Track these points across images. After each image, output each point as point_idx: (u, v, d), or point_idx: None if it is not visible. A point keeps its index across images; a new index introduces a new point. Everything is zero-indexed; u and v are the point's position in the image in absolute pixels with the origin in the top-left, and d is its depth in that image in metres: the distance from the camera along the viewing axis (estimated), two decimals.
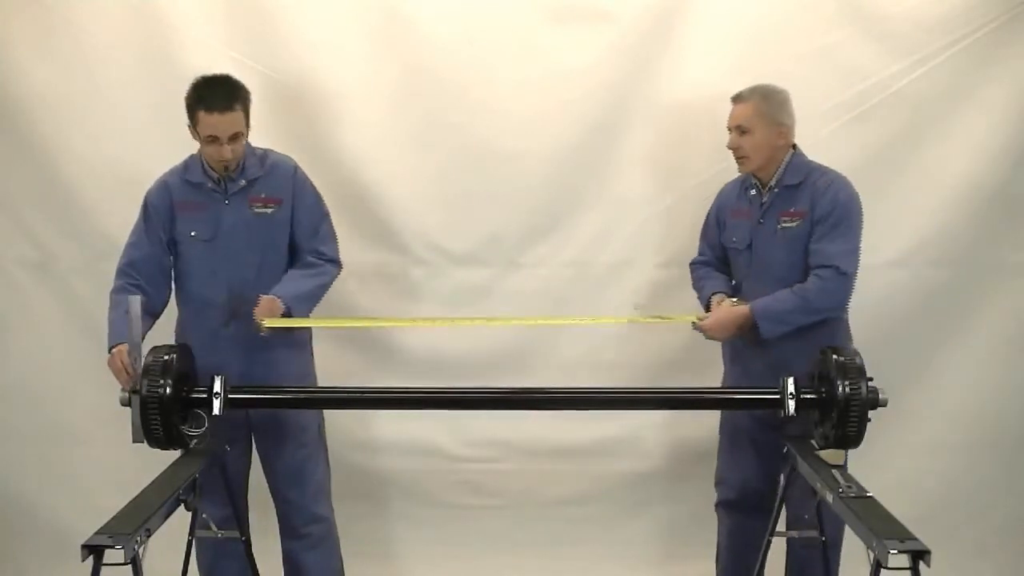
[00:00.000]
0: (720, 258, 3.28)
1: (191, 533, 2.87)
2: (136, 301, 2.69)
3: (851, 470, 2.71)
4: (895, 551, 2.19)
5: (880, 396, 2.65)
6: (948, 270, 3.67)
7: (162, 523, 2.44)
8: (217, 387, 2.75)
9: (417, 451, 3.83)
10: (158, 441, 2.69)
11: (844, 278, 2.94)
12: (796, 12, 3.57)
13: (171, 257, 3.06)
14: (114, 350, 2.87)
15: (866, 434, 2.68)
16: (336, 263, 3.17)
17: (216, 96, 2.89)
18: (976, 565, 3.72)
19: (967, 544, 3.71)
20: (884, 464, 3.39)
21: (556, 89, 3.63)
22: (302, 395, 3.04)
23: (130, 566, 2.24)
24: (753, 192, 3.10)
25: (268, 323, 2.91)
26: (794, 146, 3.09)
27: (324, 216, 3.18)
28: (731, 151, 3.07)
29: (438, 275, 3.77)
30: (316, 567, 3.22)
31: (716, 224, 3.26)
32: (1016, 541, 3.78)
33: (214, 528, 2.87)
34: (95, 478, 3.70)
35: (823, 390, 2.74)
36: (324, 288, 3.13)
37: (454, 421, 3.78)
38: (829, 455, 2.75)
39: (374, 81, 3.61)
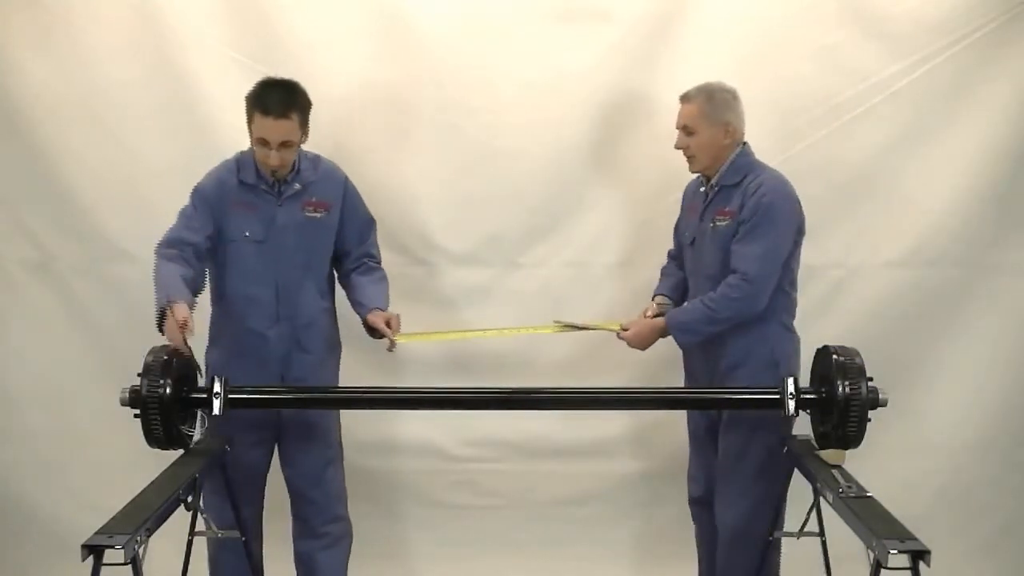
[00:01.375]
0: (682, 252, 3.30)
1: (191, 533, 2.87)
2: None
3: (851, 470, 2.70)
4: (895, 551, 2.19)
5: (880, 396, 2.65)
6: (948, 270, 3.67)
7: (162, 523, 2.44)
8: (217, 387, 2.75)
9: (417, 451, 3.84)
10: (158, 441, 2.69)
11: (749, 285, 2.90)
12: (796, 12, 3.57)
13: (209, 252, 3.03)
14: (173, 305, 2.71)
15: (866, 434, 2.68)
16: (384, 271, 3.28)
17: (273, 100, 2.87)
18: (976, 565, 3.72)
19: (967, 544, 3.71)
20: (884, 464, 3.39)
21: (556, 89, 3.63)
22: (302, 395, 3.03)
23: (130, 566, 2.24)
24: (702, 189, 3.11)
25: (399, 338, 3.01)
26: (745, 144, 3.07)
27: (373, 223, 3.24)
28: (677, 149, 3.07)
29: (438, 275, 3.77)
30: (330, 566, 3.23)
31: (679, 218, 3.30)
32: (1016, 541, 3.79)
33: (214, 528, 2.86)
34: (95, 478, 3.70)
35: (823, 390, 2.74)
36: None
37: (454, 421, 3.78)
38: (829, 455, 2.75)
39: (374, 81, 3.61)
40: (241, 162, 3.03)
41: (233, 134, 3.39)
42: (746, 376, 2.98)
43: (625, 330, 3.10)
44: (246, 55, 3.55)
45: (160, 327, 2.75)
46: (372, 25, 3.61)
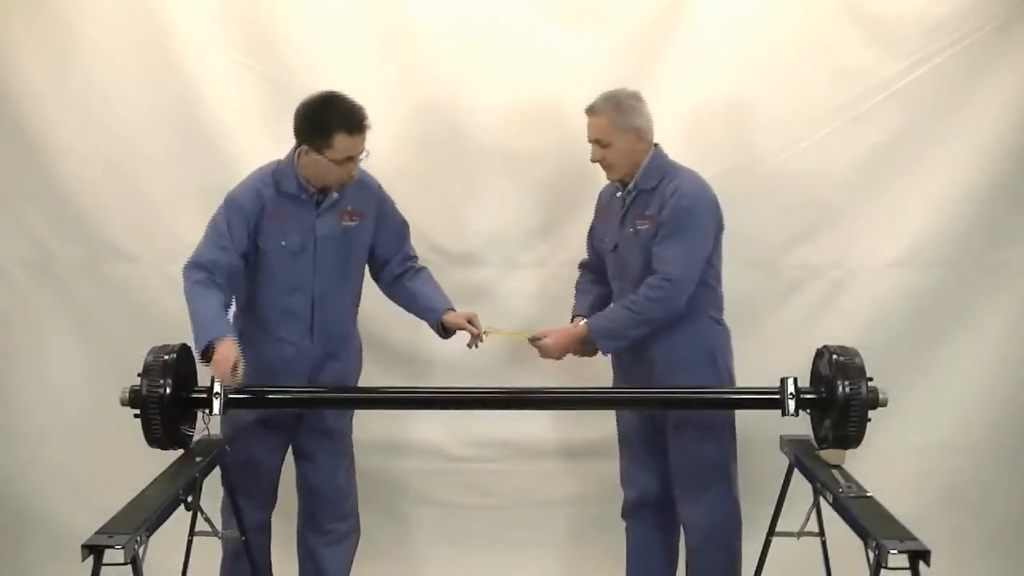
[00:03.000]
0: (601, 259, 3.28)
1: (191, 533, 2.88)
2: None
3: (851, 470, 2.71)
4: (895, 551, 2.20)
5: (880, 396, 2.65)
6: (948, 270, 3.67)
7: (162, 523, 2.44)
8: (217, 387, 2.75)
9: (417, 451, 3.84)
10: (158, 441, 2.69)
11: (671, 284, 2.92)
12: (796, 12, 3.57)
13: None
14: (221, 344, 2.72)
15: (866, 434, 2.68)
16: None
17: (357, 118, 2.86)
18: (976, 565, 3.72)
19: (967, 544, 3.71)
20: (884, 464, 3.39)
21: (556, 89, 3.62)
22: (302, 395, 3.03)
23: (130, 566, 2.24)
24: (619, 194, 3.12)
25: (492, 333, 3.08)
26: (657, 145, 3.07)
27: (407, 225, 3.23)
28: (594, 162, 3.07)
29: (438, 275, 3.73)
30: (335, 563, 3.23)
31: (594, 224, 3.30)
32: (1016, 541, 3.78)
33: (213, 527, 2.86)
34: (95, 478, 3.70)
35: (823, 390, 2.74)
36: None
37: (454, 421, 3.78)
38: (829, 455, 2.76)
39: (374, 82, 3.60)
40: (279, 172, 2.98)
41: (233, 134, 3.40)
42: (687, 374, 3.01)
43: (537, 339, 3.10)
44: (247, 56, 3.56)
45: (204, 359, 2.77)
46: (372, 26, 3.61)
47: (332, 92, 2.91)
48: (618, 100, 3.02)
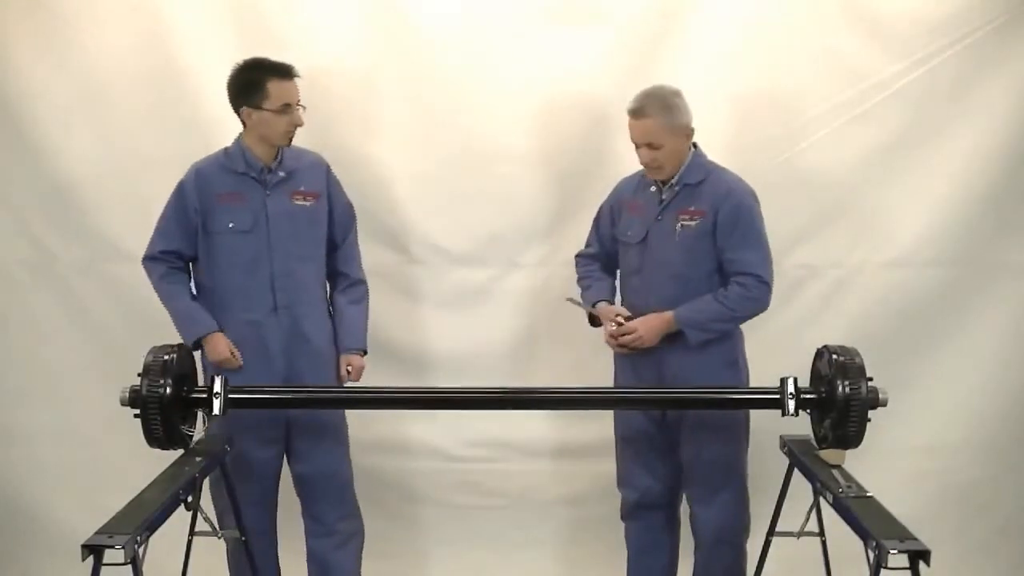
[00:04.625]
0: (609, 252, 3.25)
1: (191, 533, 2.88)
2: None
3: (851, 470, 2.70)
4: (895, 551, 2.20)
5: (880, 396, 2.65)
6: (948, 270, 3.67)
7: (162, 523, 2.44)
8: (217, 387, 2.75)
9: (417, 451, 3.84)
10: (158, 441, 2.69)
11: (765, 286, 2.96)
12: (796, 12, 3.57)
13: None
14: (211, 338, 2.99)
15: (866, 434, 2.68)
16: (364, 282, 3.27)
17: (282, 64, 2.98)
18: (976, 565, 3.72)
19: (967, 544, 3.71)
20: (884, 464, 3.39)
21: (557, 89, 3.63)
22: (302, 395, 3.03)
23: (130, 566, 2.24)
24: (652, 188, 3.08)
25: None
26: (695, 144, 3.06)
27: (353, 221, 3.24)
28: (644, 165, 3.02)
29: (438, 275, 3.77)
30: (344, 566, 3.24)
31: (610, 216, 3.22)
32: (1016, 541, 3.78)
33: (213, 527, 2.86)
34: (95, 478, 3.70)
35: (823, 390, 2.74)
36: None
37: (454, 421, 3.78)
38: (829, 455, 2.75)
39: (374, 81, 3.61)
40: (229, 152, 3.08)
41: (234, 134, 3.39)
42: (708, 375, 3.01)
43: (625, 333, 3.02)
44: (247, 55, 3.54)
45: (194, 349, 2.98)
46: (372, 25, 3.61)
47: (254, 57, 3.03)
48: (665, 100, 2.96)
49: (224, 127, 3.55)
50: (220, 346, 2.99)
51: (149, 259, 3.07)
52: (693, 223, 2.99)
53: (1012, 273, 3.68)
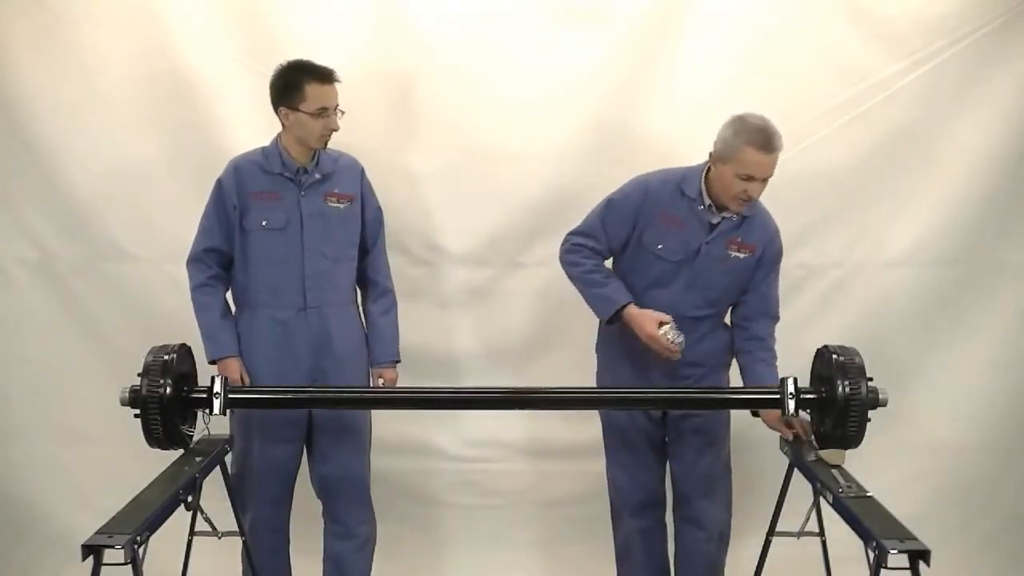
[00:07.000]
0: (612, 249, 3.11)
1: (191, 533, 2.88)
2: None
3: (851, 470, 2.71)
4: (895, 551, 2.20)
5: (880, 396, 2.64)
6: (948, 270, 3.68)
7: (162, 523, 2.44)
8: (217, 387, 2.75)
9: (417, 451, 3.84)
10: (158, 441, 2.69)
11: (775, 323, 3.10)
12: (796, 12, 3.58)
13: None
14: (226, 361, 3.02)
15: (866, 434, 2.68)
16: (392, 291, 3.27)
17: (324, 69, 2.96)
18: (976, 565, 3.72)
19: (967, 544, 3.71)
20: (884, 464, 3.39)
21: (557, 89, 3.63)
22: (302, 395, 3.03)
23: (130, 566, 2.24)
24: (701, 208, 2.98)
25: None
26: None
27: (382, 226, 3.25)
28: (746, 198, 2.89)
29: (438, 275, 3.77)
30: (360, 567, 3.25)
31: (632, 219, 3.03)
32: (1016, 541, 3.79)
33: (213, 527, 2.86)
34: (95, 478, 3.70)
35: (823, 390, 2.74)
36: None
37: (454, 421, 3.78)
38: (829, 455, 2.75)
39: (374, 82, 3.61)
40: (266, 152, 3.07)
41: (234, 134, 3.40)
42: (708, 376, 3.08)
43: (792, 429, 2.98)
44: (248, 56, 3.55)
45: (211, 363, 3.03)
46: (373, 26, 3.61)
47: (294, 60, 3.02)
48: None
49: (224, 128, 3.56)
50: (232, 371, 3.00)
51: (192, 261, 3.07)
52: (741, 255, 3.01)
53: (1012, 273, 3.69)
